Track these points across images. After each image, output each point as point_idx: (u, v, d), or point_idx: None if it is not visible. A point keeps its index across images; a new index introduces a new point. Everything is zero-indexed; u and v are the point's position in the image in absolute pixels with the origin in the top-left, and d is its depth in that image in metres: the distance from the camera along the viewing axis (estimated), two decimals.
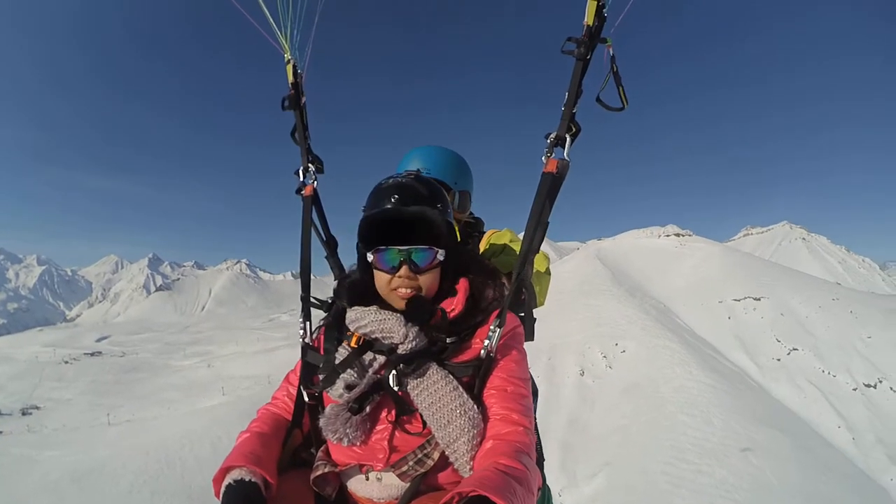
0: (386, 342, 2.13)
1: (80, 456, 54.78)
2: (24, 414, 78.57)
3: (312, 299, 2.60)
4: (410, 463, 2.04)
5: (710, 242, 57.17)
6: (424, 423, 2.04)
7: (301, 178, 2.86)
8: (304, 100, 2.92)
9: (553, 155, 2.35)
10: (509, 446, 1.87)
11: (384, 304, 2.25)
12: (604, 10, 2.23)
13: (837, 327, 33.38)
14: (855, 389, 28.09)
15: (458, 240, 2.78)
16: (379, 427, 2.12)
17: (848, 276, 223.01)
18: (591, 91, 2.35)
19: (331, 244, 2.89)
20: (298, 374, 2.41)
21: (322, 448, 2.29)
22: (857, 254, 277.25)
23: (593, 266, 51.66)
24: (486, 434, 2.00)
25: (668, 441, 22.84)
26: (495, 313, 2.20)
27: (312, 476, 2.15)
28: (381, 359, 2.13)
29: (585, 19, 2.22)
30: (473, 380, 2.12)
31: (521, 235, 2.64)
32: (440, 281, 2.26)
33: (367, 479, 2.13)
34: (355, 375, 2.13)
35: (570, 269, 52.75)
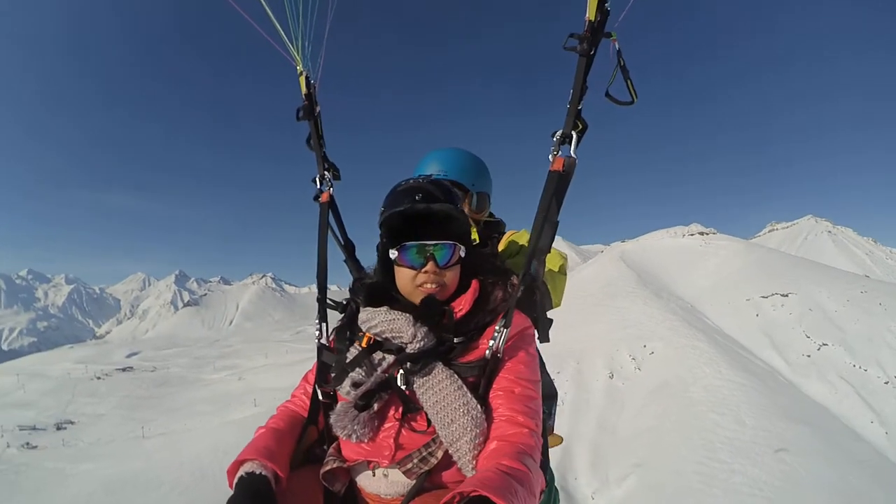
0: (395, 342, 2.21)
1: (115, 468, 55.70)
2: (58, 429, 79.55)
3: (329, 301, 2.70)
4: (415, 460, 2.10)
5: (734, 240, 56.37)
6: (429, 422, 2.11)
7: (318, 186, 2.98)
8: (318, 109, 3.03)
9: (560, 153, 2.39)
10: (513, 448, 1.91)
11: (396, 305, 2.32)
12: (606, 5, 2.24)
13: (867, 320, 32.75)
14: (886, 383, 27.55)
15: (477, 241, 2.99)
16: (387, 425, 2.20)
17: (876, 268, 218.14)
18: (598, 87, 2.38)
19: (348, 248, 3.01)
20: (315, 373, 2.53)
21: (334, 444, 2.38)
22: (884, 245, 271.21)
23: (618, 268, 51.31)
24: (490, 434, 2.04)
25: (699, 441, 22.75)
26: (502, 314, 2.24)
27: (322, 471, 2.24)
28: (390, 358, 2.20)
29: (587, 14, 2.23)
30: (479, 380, 2.16)
31: None
32: (465, 280, 2.35)
33: (374, 475, 2.20)
34: (363, 374, 2.21)
35: (595, 272, 52.51)
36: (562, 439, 3.45)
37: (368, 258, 2.68)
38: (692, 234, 60.53)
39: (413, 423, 2.16)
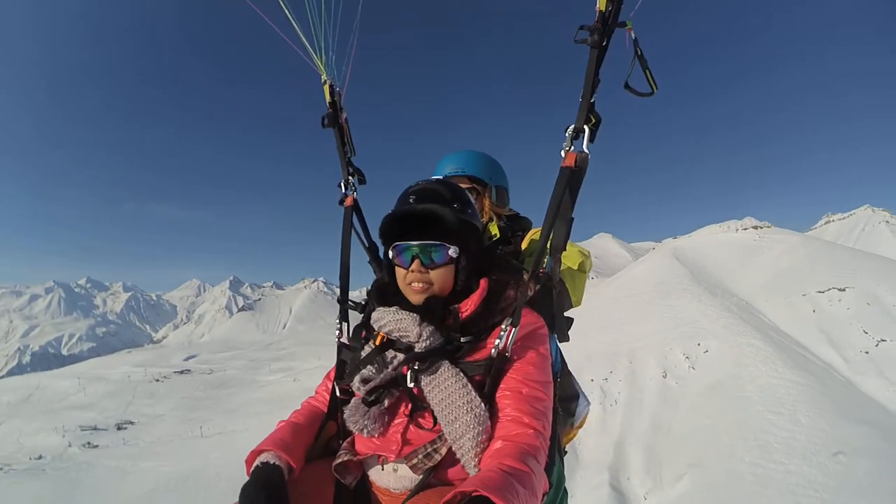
0: (404, 341, 2.25)
1: (174, 466, 57.02)
2: (119, 429, 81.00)
3: (350, 302, 2.79)
4: (420, 456, 2.13)
5: (789, 233, 54.40)
6: (436, 420, 2.13)
7: (343, 190, 3.05)
8: (344, 116, 3.10)
9: (572, 148, 2.33)
10: (517, 448, 1.91)
11: (406, 304, 2.35)
12: None
13: None
14: None
15: (497, 236, 3.13)
16: (397, 421, 2.24)
17: None
18: (611, 79, 2.30)
19: (372, 250, 3.03)
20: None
21: (348, 438, 2.43)
22: None
23: (670, 265, 50.33)
24: (495, 434, 2.05)
25: (754, 441, 22.42)
26: (510, 313, 2.26)
27: (334, 463, 2.29)
28: (400, 356, 2.24)
29: (598, 5, 2.18)
30: (486, 379, 2.17)
31: None
32: (463, 279, 2.35)
33: (383, 469, 2.25)
34: (374, 371, 2.25)
35: (646, 271, 51.73)
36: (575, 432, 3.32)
37: None
38: (746, 229, 59.07)
39: (421, 420, 2.20)
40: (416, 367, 2.15)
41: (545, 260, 2.56)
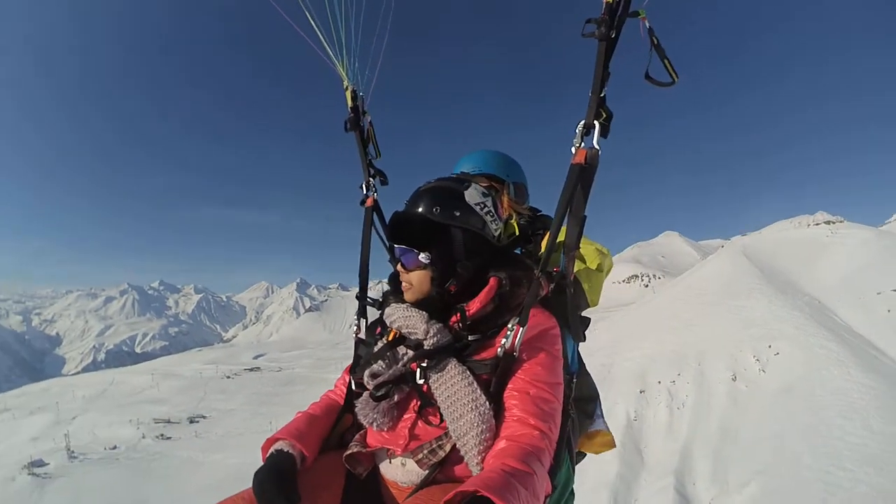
0: (413, 337, 2.30)
1: (244, 458, 57.93)
2: (191, 422, 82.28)
3: (368, 299, 2.88)
4: (425, 451, 2.17)
5: (864, 228, 51.45)
6: (442, 416, 2.16)
7: (364, 191, 3.17)
8: (368, 119, 3.16)
9: (583, 144, 2.28)
10: (520, 449, 1.92)
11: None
12: None
13: None
14: None
15: (517, 234, 3.07)
16: (406, 416, 2.30)
17: None
18: (621, 73, 2.31)
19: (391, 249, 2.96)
20: None
21: (361, 431, 2.50)
22: None
23: (739, 264, 48.62)
24: (500, 434, 2.06)
25: (823, 447, 21.69)
26: (518, 312, 2.27)
27: (344, 454, 2.37)
28: (410, 353, 2.29)
29: None
30: (492, 378, 2.19)
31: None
32: (475, 277, 2.38)
33: (391, 462, 2.31)
34: (384, 366, 2.32)
35: (714, 270, 50.13)
36: (612, 440, 3.20)
37: None
38: (818, 224, 57.23)
39: (429, 417, 2.25)
40: (424, 364, 2.22)
41: (559, 259, 2.58)
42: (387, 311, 2.49)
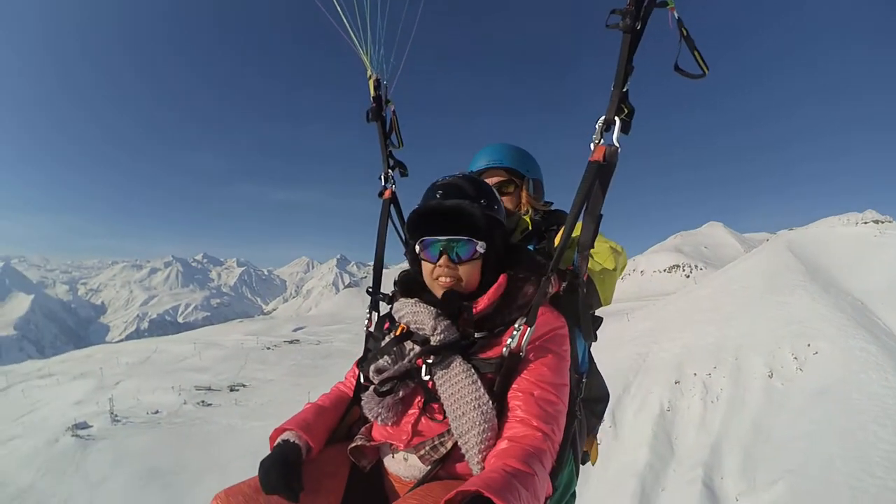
0: (420, 333, 2.27)
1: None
2: (231, 390, 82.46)
3: (380, 293, 2.87)
4: (427, 448, 2.16)
5: None
6: (445, 413, 2.13)
7: (382, 183, 3.15)
8: (392, 108, 3.16)
9: (602, 141, 2.25)
10: (522, 450, 1.89)
11: (428, 297, 2.38)
12: None
13: None
14: None
15: (529, 229, 3.08)
16: (410, 411, 2.27)
17: None
18: (644, 68, 2.25)
19: (408, 242, 2.78)
20: None
21: (367, 424, 2.49)
22: None
23: (784, 259, 47.37)
24: (503, 434, 2.04)
25: (855, 452, 21.39)
26: (525, 311, 2.23)
27: (349, 447, 2.36)
28: (417, 348, 2.25)
29: None
30: (497, 377, 2.15)
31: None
32: (490, 274, 2.34)
33: (394, 457, 2.29)
34: (389, 362, 2.31)
35: (758, 263, 48.91)
36: (596, 453, 3.18)
37: None
38: (866, 222, 55.49)
39: (433, 413, 2.22)
40: (429, 361, 2.19)
41: (573, 257, 2.54)
42: (396, 305, 2.47)
